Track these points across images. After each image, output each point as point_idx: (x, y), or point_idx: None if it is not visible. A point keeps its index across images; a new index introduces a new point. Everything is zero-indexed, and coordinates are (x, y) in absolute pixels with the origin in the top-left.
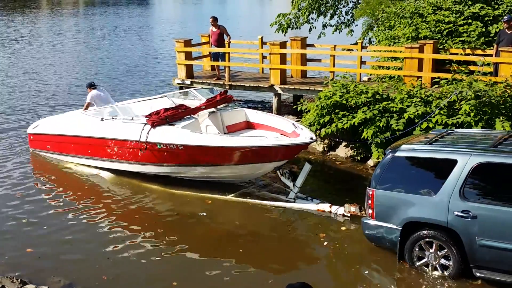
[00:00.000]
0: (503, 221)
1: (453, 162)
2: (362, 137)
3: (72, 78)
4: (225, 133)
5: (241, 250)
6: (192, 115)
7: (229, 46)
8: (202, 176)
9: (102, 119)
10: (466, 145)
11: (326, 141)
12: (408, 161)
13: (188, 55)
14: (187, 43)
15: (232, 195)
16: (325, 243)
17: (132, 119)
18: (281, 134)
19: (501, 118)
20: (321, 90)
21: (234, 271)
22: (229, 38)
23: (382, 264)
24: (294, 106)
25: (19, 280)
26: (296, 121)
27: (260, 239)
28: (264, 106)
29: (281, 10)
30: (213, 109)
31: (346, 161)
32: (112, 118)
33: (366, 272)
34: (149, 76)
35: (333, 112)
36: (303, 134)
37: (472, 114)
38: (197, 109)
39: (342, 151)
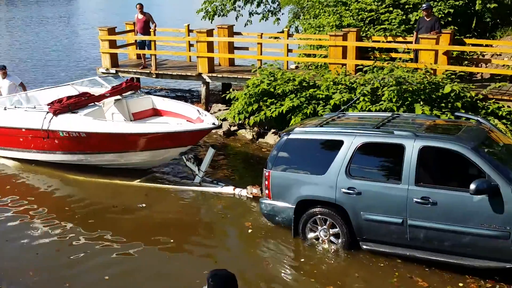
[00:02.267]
0: (383, 196)
1: (340, 143)
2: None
3: None
4: (131, 120)
5: (172, 240)
6: (96, 102)
7: (154, 34)
8: (108, 163)
9: (5, 108)
10: (352, 127)
11: (255, 128)
12: (301, 142)
13: (112, 44)
14: (111, 31)
15: (138, 180)
16: (249, 230)
17: (35, 107)
18: (186, 120)
19: (421, 103)
20: (249, 78)
21: (167, 264)
22: (155, 26)
23: (280, 239)
24: (223, 95)
25: None
26: (225, 109)
27: (182, 226)
28: (192, 95)
29: None
30: (118, 97)
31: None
32: (15, 107)
33: (265, 248)
34: (73, 65)
35: (261, 100)
36: (207, 120)
37: (394, 100)
38: (102, 97)
39: (271, 138)
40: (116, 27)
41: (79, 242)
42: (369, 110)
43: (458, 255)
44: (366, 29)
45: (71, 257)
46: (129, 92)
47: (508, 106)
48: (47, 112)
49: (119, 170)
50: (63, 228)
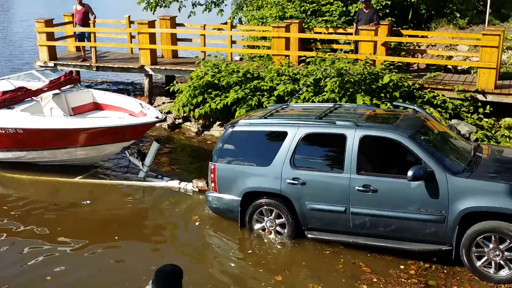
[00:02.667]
0: (327, 186)
1: (284, 134)
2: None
3: None
4: (71, 115)
5: (116, 237)
6: (33, 97)
7: (94, 26)
8: (47, 160)
9: None
10: (295, 118)
11: (200, 121)
12: (246, 134)
13: (50, 36)
14: (48, 23)
15: (80, 177)
16: (196, 223)
17: None
18: (129, 114)
19: (361, 93)
20: (193, 70)
21: (112, 260)
22: (94, 17)
23: (227, 231)
24: (167, 87)
25: None
26: (169, 102)
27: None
28: (135, 88)
29: None
30: (57, 91)
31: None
32: None
33: (212, 240)
34: (9, 59)
35: (205, 92)
36: (150, 114)
37: (336, 91)
38: (39, 91)
39: (217, 131)
40: (53, 18)
41: (17, 242)
42: (313, 101)
43: (399, 240)
44: (308, 20)
45: (10, 258)
46: (68, 86)
47: (443, 95)
48: None
49: (60, 167)
50: (0, 228)
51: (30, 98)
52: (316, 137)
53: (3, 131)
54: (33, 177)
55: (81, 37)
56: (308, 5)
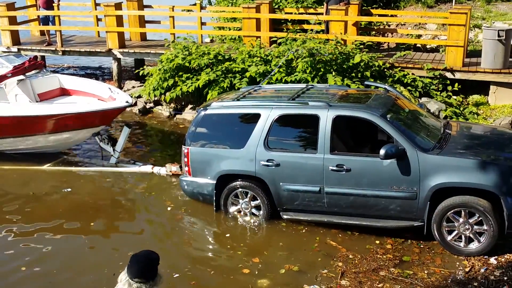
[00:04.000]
0: (301, 166)
1: (257, 116)
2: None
3: None
4: (37, 101)
5: (92, 224)
6: None
7: (58, 9)
8: (14, 148)
9: None
10: (268, 100)
11: (172, 105)
12: (218, 117)
13: (13, 20)
14: (10, 6)
15: (49, 164)
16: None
17: None
18: (98, 99)
19: (333, 73)
20: (163, 53)
21: (87, 247)
22: (59, 0)
23: (201, 215)
24: (136, 71)
25: None
26: (139, 86)
27: (100, 209)
28: (103, 72)
29: None
30: (21, 77)
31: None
32: None
33: (187, 225)
34: None
35: (176, 75)
36: (119, 98)
37: (308, 71)
38: (2, 77)
39: (189, 114)
40: (15, 2)
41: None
42: (285, 82)
43: (373, 217)
44: (279, 0)
45: None
46: (33, 72)
47: (412, 74)
48: None
49: (27, 155)
50: None
51: None
52: (289, 118)
53: None
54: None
55: (45, 20)
56: None
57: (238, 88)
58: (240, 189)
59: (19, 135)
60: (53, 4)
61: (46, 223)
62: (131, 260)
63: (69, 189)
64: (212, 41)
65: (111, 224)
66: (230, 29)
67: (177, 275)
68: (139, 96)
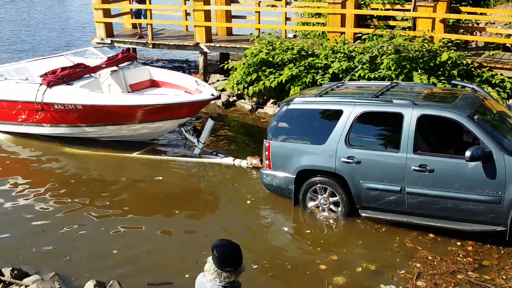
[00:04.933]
0: (382, 165)
1: (339, 112)
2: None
3: None
4: (128, 92)
5: (176, 211)
6: (92, 74)
7: (150, 3)
8: (105, 136)
9: None
10: (351, 96)
11: (254, 99)
12: (300, 112)
13: (107, 13)
14: None
15: (137, 153)
16: (248, 201)
17: (27, 79)
18: (185, 91)
19: (419, 71)
20: (247, 48)
21: (171, 234)
22: None
23: (280, 208)
24: (221, 65)
25: None
26: (223, 80)
27: (184, 197)
28: (189, 66)
29: None
30: (115, 68)
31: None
32: (5, 79)
33: (266, 217)
34: (68, 35)
35: (260, 69)
36: (205, 91)
37: (392, 68)
38: (97, 68)
39: (270, 109)
40: None
41: (84, 216)
42: (368, 79)
43: (454, 220)
44: None
45: (75, 231)
46: (126, 63)
47: (501, 74)
48: (41, 84)
49: (116, 142)
50: (69, 202)
51: (88, 75)
52: (372, 115)
53: (63, 107)
54: (92, 152)
55: (137, 14)
56: None
57: (320, 84)
58: (319, 185)
59: (111, 124)
60: None
61: (137, 209)
62: (218, 251)
63: (160, 178)
64: (295, 36)
65: (194, 214)
66: (314, 25)
67: (255, 266)
68: (223, 90)
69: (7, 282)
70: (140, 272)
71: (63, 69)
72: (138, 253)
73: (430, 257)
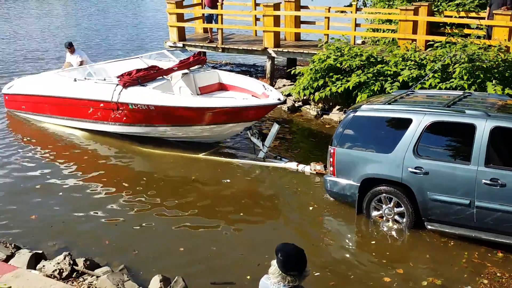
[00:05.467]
0: (451, 177)
1: (409, 121)
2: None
3: (54, 45)
4: (198, 94)
5: (241, 214)
6: (164, 76)
7: (221, 8)
8: (175, 136)
9: (75, 80)
10: (421, 105)
11: (320, 105)
12: (368, 120)
13: (180, 17)
14: (179, 4)
15: (204, 153)
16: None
17: (104, 79)
18: (252, 95)
19: (493, 81)
20: (315, 53)
21: (236, 236)
22: (222, 0)
23: (343, 216)
24: (288, 70)
25: (12, 245)
26: (290, 85)
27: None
28: (257, 70)
29: None
30: (186, 71)
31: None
32: (85, 79)
33: (328, 225)
34: (143, 39)
35: (327, 75)
36: (272, 96)
37: (465, 78)
38: (170, 70)
39: (336, 115)
40: (184, 0)
41: (154, 214)
42: (439, 88)
43: None
44: (438, 3)
45: (147, 228)
46: (196, 66)
47: None
48: (117, 85)
49: (183, 143)
50: (140, 200)
51: (161, 77)
52: (443, 126)
53: (136, 107)
54: (160, 151)
55: (209, 19)
56: None
57: (389, 92)
58: (384, 194)
59: (180, 125)
60: (217, 3)
61: (203, 210)
62: (282, 254)
63: (228, 180)
64: (364, 43)
65: (257, 217)
66: (384, 31)
67: (317, 274)
68: (289, 95)
69: (80, 271)
70: (204, 271)
71: (138, 70)
72: (203, 253)
73: (498, 274)
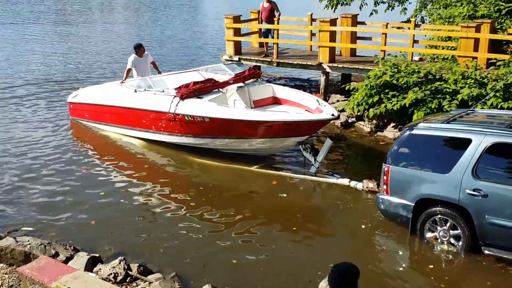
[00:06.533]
0: (511, 200)
1: (468, 141)
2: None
3: (117, 53)
4: (252, 108)
5: (294, 228)
6: (220, 89)
7: (278, 23)
8: (228, 148)
9: (135, 91)
10: (482, 125)
11: (374, 121)
12: (424, 139)
13: (237, 32)
14: (236, 19)
15: (256, 166)
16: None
17: (163, 91)
18: (305, 110)
19: None
20: (371, 69)
21: (291, 251)
22: (279, 15)
23: (396, 236)
24: (342, 86)
25: (71, 247)
26: (343, 100)
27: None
28: (310, 85)
29: None
30: (241, 84)
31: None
32: (145, 90)
33: (381, 244)
34: (198, 52)
35: (382, 92)
36: (326, 111)
37: None
38: (225, 83)
39: (390, 132)
40: (241, 15)
41: (209, 224)
42: (501, 108)
43: None
44: (502, 20)
45: (201, 238)
46: (251, 80)
47: None
48: (175, 96)
49: (236, 155)
50: (196, 208)
51: (217, 90)
52: (504, 147)
53: (192, 119)
54: (215, 162)
55: (265, 33)
56: (504, 4)
57: (447, 111)
58: (439, 216)
59: (235, 137)
60: (274, 19)
61: (257, 223)
62: (333, 271)
63: (284, 195)
64: (421, 59)
65: (310, 233)
66: (443, 48)
67: None
68: (343, 110)
69: (133, 276)
70: (255, 284)
71: (195, 83)
72: (254, 266)
73: None
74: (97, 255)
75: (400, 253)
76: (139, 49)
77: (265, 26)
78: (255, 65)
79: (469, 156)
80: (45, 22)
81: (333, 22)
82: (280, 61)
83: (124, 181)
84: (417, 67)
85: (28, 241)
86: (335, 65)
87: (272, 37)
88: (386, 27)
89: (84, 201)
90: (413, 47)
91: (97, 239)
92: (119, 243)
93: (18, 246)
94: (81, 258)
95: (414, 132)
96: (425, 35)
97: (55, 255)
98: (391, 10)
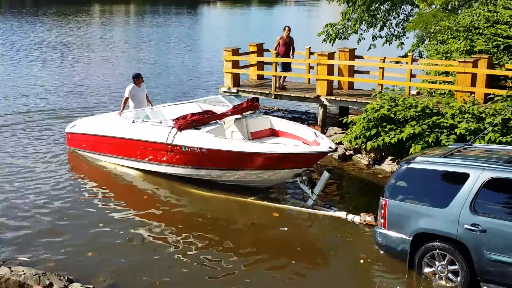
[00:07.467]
0: (510, 236)
1: (466, 176)
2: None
3: (115, 82)
4: (249, 139)
5: (293, 262)
6: (218, 120)
7: (292, 57)
8: (225, 179)
9: (133, 121)
10: (479, 160)
11: (372, 154)
12: (422, 173)
13: (236, 64)
14: (235, 51)
15: (253, 198)
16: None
17: (161, 122)
18: (303, 142)
19: None
20: (368, 103)
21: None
22: (294, 52)
23: (394, 271)
24: (340, 118)
25: (66, 278)
26: (341, 133)
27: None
28: (308, 117)
29: (328, 21)
30: (239, 116)
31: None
32: (143, 121)
33: (378, 279)
34: (196, 84)
35: (380, 125)
36: (323, 143)
37: None
38: (223, 115)
39: (388, 166)
40: (240, 48)
41: (209, 256)
42: (500, 143)
43: None
44: (500, 56)
45: (200, 269)
46: (249, 112)
47: None
48: (172, 127)
49: (233, 186)
50: (196, 240)
51: (215, 121)
52: (503, 182)
53: (189, 149)
54: (211, 194)
55: (283, 67)
56: (501, 39)
57: (444, 145)
58: (437, 251)
59: (232, 168)
60: (290, 54)
61: (259, 256)
62: None
63: (285, 228)
64: (418, 93)
65: (307, 267)
66: (441, 83)
67: None
68: (340, 143)
69: None
70: None
71: (193, 114)
72: None
73: None
74: (91, 286)
75: (397, 286)
76: (137, 78)
77: (261, 59)
78: (253, 97)
79: (467, 190)
80: (42, 53)
81: (331, 55)
82: (279, 93)
83: (122, 213)
84: (415, 101)
85: (23, 271)
86: (333, 98)
87: (290, 70)
88: (384, 61)
89: (82, 231)
90: (410, 81)
91: (93, 270)
92: (115, 275)
93: (12, 276)
94: None
95: (411, 166)
96: (422, 70)
97: (50, 286)
98: (389, 45)
